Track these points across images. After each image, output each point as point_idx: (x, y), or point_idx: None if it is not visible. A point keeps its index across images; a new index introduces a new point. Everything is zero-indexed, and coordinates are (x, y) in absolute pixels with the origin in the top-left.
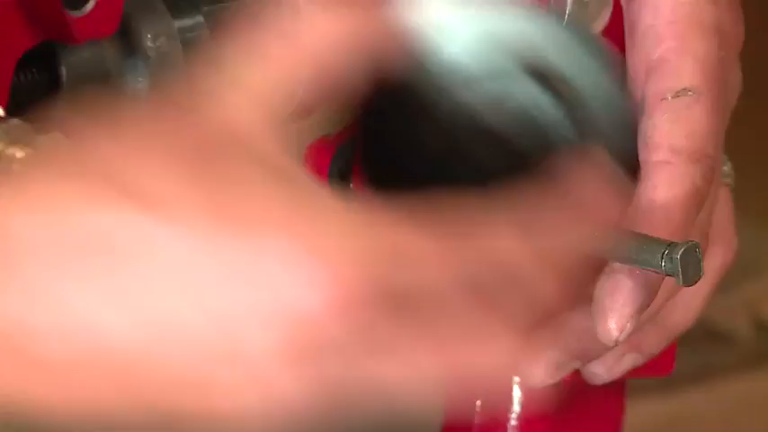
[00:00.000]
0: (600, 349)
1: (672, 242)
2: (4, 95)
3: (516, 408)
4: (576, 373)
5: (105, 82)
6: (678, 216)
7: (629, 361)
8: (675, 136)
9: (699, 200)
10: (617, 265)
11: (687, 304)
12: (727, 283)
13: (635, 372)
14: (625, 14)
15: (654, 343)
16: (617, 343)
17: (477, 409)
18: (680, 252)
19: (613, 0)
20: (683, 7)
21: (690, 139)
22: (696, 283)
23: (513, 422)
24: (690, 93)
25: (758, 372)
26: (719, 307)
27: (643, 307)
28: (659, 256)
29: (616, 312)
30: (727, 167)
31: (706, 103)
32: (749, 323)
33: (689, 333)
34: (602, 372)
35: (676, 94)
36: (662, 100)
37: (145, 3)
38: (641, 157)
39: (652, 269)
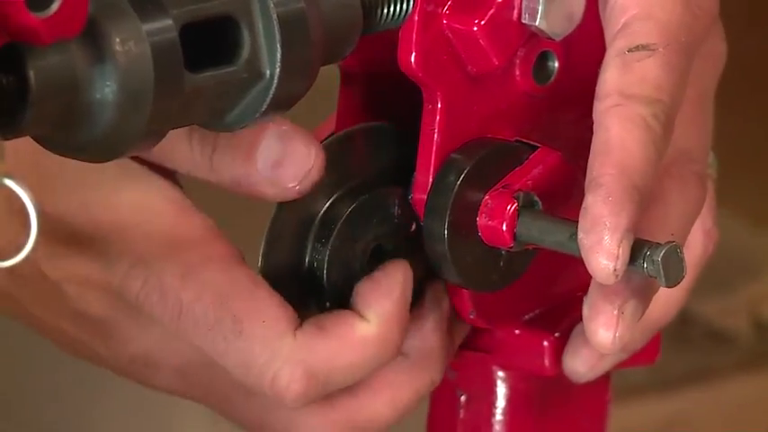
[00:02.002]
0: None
1: (653, 243)
2: None
3: (501, 402)
4: (560, 365)
5: (74, 87)
6: (636, 151)
7: (611, 358)
8: (625, 83)
9: (655, 140)
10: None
11: (668, 297)
12: (726, 283)
13: (620, 363)
14: (600, 2)
15: (635, 339)
16: (613, 349)
17: (462, 404)
18: (661, 253)
19: None
20: None
21: (640, 86)
22: (679, 283)
23: (497, 417)
24: (643, 48)
25: (758, 372)
26: (719, 307)
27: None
28: (640, 257)
29: (603, 315)
30: (710, 158)
31: (662, 57)
32: (749, 323)
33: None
34: (584, 370)
35: (631, 50)
36: (615, 56)
37: (112, 6)
38: (595, 112)
39: (634, 270)
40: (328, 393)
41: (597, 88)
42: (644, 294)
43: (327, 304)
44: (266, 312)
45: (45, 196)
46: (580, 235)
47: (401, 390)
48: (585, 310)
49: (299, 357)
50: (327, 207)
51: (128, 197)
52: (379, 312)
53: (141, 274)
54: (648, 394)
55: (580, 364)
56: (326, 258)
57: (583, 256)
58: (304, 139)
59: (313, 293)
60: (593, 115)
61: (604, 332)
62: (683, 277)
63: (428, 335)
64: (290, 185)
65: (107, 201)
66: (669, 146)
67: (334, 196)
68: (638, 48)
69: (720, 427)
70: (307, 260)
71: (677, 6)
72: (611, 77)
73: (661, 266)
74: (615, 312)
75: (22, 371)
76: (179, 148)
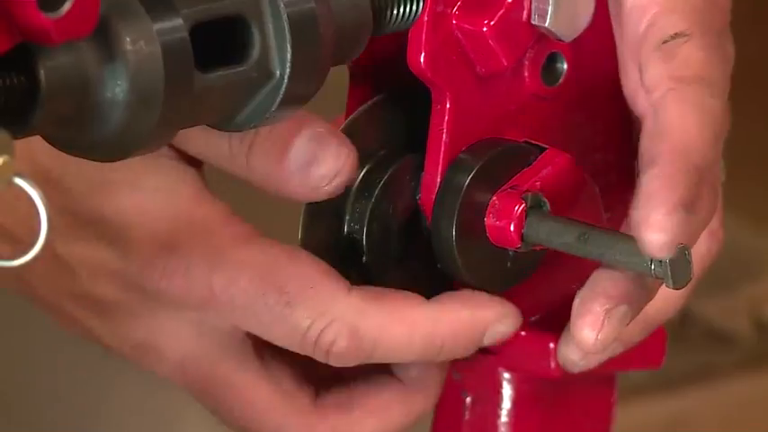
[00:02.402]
0: (643, 292)
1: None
2: None
3: (506, 404)
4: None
5: (85, 86)
6: (695, 131)
7: (606, 350)
8: (673, 68)
9: (714, 122)
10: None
11: (668, 293)
12: (727, 283)
13: (625, 365)
14: (610, 4)
15: (632, 332)
16: (593, 350)
17: (468, 406)
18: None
19: None
20: None
21: (688, 67)
22: (686, 285)
23: (503, 418)
24: (678, 36)
25: (758, 372)
26: (720, 307)
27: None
28: (648, 258)
29: (590, 315)
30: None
31: (699, 40)
32: (750, 323)
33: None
34: (577, 358)
35: (666, 41)
36: (654, 50)
37: (123, 6)
38: (641, 104)
39: (642, 272)
40: (372, 361)
41: (647, 85)
42: (636, 301)
43: (368, 274)
44: (313, 278)
45: (67, 175)
46: (631, 211)
47: (393, 414)
48: (576, 304)
49: (349, 318)
50: (363, 175)
51: (150, 181)
52: (447, 307)
53: (163, 261)
54: (649, 394)
55: (573, 352)
56: (365, 227)
57: (633, 232)
58: (337, 140)
59: (353, 264)
60: (640, 105)
61: (589, 331)
62: (690, 279)
63: (425, 363)
64: (320, 186)
65: (130, 183)
66: (727, 127)
67: (369, 165)
68: (672, 37)
69: (721, 427)
70: (345, 230)
71: (697, 2)
72: (656, 69)
73: (669, 268)
74: (602, 315)
75: (22, 371)
76: (217, 142)
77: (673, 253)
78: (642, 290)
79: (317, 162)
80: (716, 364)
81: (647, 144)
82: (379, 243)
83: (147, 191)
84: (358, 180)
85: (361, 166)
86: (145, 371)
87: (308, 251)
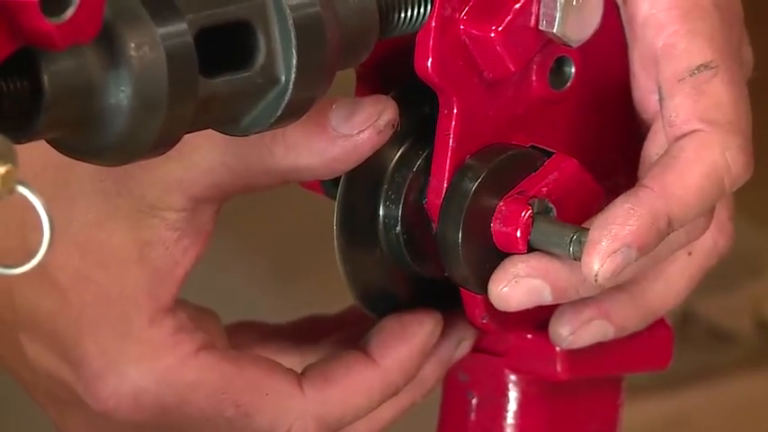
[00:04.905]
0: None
1: (581, 228)
2: None
3: (512, 406)
4: (572, 370)
5: (89, 92)
6: (694, 182)
7: (596, 328)
8: (703, 110)
9: (727, 174)
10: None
11: (668, 281)
12: (728, 282)
13: (631, 366)
14: (622, 9)
15: (627, 315)
16: (563, 346)
17: (474, 407)
18: (588, 236)
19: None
20: None
21: (721, 111)
22: None
23: (509, 420)
24: (706, 68)
25: (759, 371)
26: (721, 306)
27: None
28: (567, 239)
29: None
30: None
31: (725, 75)
32: (751, 322)
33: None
34: (566, 333)
35: (693, 72)
36: (680, 81)
37: (128, 11)
38: (672, 138)
39: (561, 251)
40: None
41: (667, 115)
42: (615, 320)
43: (406, 257)
44: (264, 384)
45: (18, 286)
46: (591, 227)
47: (382, 408)
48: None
49: (311, 411)
50: (397, 160)
51: (102, 290)
52: (394, 357)
53: (113, 382)
54: (650, 393)
55: (563, 326)
56: (400, 212)
57: (586, 244)
58: (372, 97)
59: (390, 249)
60: (651, 115)
61: (565, 329)
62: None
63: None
64: (365, 129)
65: (83, 293)
66: (746, 173)
67: (403, 148)
68: (699, 69)
69: (722, 426)
70: (381, 214)
71: (714, 19)
72: (685, 104)
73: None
74: (578, 321)
75: None
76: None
77: (602, 284)
78: (624, 308)
79: (358, 110)
80: (717, 362)
81: (652, 165)
82: (413, 214)
83: (98, 304)
84: (399, 153)
85: (403, 141)
86: None
87: (345, 238)
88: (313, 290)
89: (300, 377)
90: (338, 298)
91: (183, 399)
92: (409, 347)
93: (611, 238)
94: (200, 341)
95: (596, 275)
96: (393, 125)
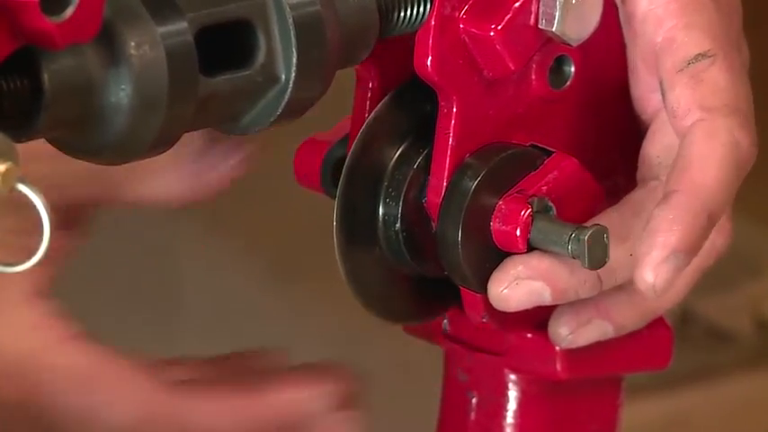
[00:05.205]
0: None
1: (580, 226)
2: None
3: (512, 405)
4: (572, 370)
5: (89, 90)
6: (714, 171)
7: (595, 328)
8: (702, 97)
9: (739, 158)
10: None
11: None
12: (727, 281)
13: (631, 366)
14: (620, 8)
15: (626, 314)
16: (562, 345)
17: (473, 406)
18: (587, 234)
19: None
20: None
21: (717, 96)
22: (601, 266)
23: (509, 419)
24: (703, 57)
25: (759, 371)
26: (720, 306)
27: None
28: (566, 237)
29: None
30: None
31: (723, 62)
32: (750, 322)
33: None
34: (565, 332)
35: (690, 62)
36: (678, 71)
37: (128, 10)
38: (677, 130)
39: (560, 250)
40: None
41: (669, 106)
42: (614, 319)
43: (405, 255)
44: (130, 378)
45: None
46: (637, 242)
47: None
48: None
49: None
50: (397, 157)
51: None
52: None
53: None
54: (650, 393)
55: (561, 325)
56: (399, 210)
57: (636, 262)
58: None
59: (390, 247)
60: (676, 133)
61: (564, 329)
62: (606, 262)
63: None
64: None
65: None
66: (753, 156)
67: (403, 146)
68: (696, 58)
69: (722, 426)
70: (381, 212)
71: (711, 11)
72: (684, 93)
73: (586, 247)
74: (578, 321)
75: None
76: None
77: (660, 294)
78: (624, 312)
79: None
80: (716, 362)
81: (670, 172)
82: (412, 212)
83: None
84: (399, 151)
85: (403, 139)
86: None
87: (345, 238)
88: (313, 290)
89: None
90: (338, 298)
91: (46, 382)
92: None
93: (660, 247)
94: (72, 329)
95: (654, 287)
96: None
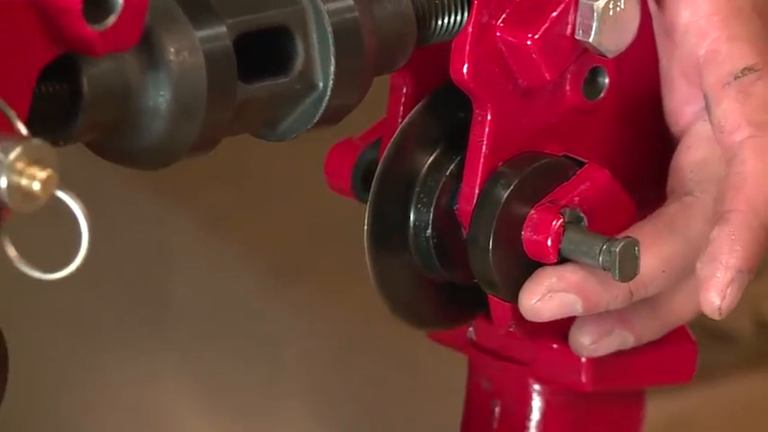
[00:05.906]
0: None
1: (612, 238)
2: (26, 108)
3: (536, 415)
4: (597, 382)
5: (127, 95)
6: None
7: (617, 338)
8: (751, 112)
9: None
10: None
11: (686, 293)
12: None
13: (655, 379)
14: (658, 18)
15: (647, 325)
16: (585, 354)
17: (497, 415)
18: (618, 247)
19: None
20: None
21: (767, 111)
22: (632, 279)
23: (532, 429)
24: (750, 71)
25: (759, 371)
26: None
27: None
28: (597, 249)
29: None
30: None
31: None
32: (751, 323)
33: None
34: (587, 342)
35: (737, 76)
36: (725, 85)
37: (168, 15)
38: (725, 145)
39: (591, 261)
40: None
41: (716, 121)
42: (635, 330)
43: (435, 262)
44: None
45: None
46: (698, 265)
47: None
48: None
49: None
50: (430, 164)
51: None
52: None
53: None
54: (650, 393)
55: (584, 335)
56: (431, 216)
57: (698, 285)
58: None
59: (420, 253)
60: (720, 145)
61: (587, 338)
62: (636, 275)
63: None
64: None
65: None
66: None
67: (435, 153)
68: (743, 72)
69: (722, 426)
70: (412, 217)
71: (755, 23)
72: (732, 108)
73: (617, 259)
74: (599, 332)
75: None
76: None
77: (725, 315)
78: (645, 320)
79: None
80: (717, 363)
81: (724, 190)
82: (443, 219)
83: None
84: (432, 157)
85: (436, 145)
86: (139, 366)
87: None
88: (313, 291)
89: None
90: (338, 299)
91: None
92: None
93: (723, 269)
94: None
95: (720, 309)
96: None
